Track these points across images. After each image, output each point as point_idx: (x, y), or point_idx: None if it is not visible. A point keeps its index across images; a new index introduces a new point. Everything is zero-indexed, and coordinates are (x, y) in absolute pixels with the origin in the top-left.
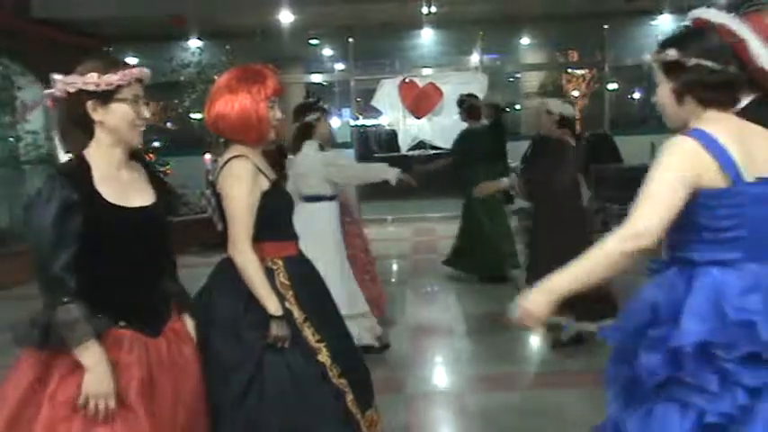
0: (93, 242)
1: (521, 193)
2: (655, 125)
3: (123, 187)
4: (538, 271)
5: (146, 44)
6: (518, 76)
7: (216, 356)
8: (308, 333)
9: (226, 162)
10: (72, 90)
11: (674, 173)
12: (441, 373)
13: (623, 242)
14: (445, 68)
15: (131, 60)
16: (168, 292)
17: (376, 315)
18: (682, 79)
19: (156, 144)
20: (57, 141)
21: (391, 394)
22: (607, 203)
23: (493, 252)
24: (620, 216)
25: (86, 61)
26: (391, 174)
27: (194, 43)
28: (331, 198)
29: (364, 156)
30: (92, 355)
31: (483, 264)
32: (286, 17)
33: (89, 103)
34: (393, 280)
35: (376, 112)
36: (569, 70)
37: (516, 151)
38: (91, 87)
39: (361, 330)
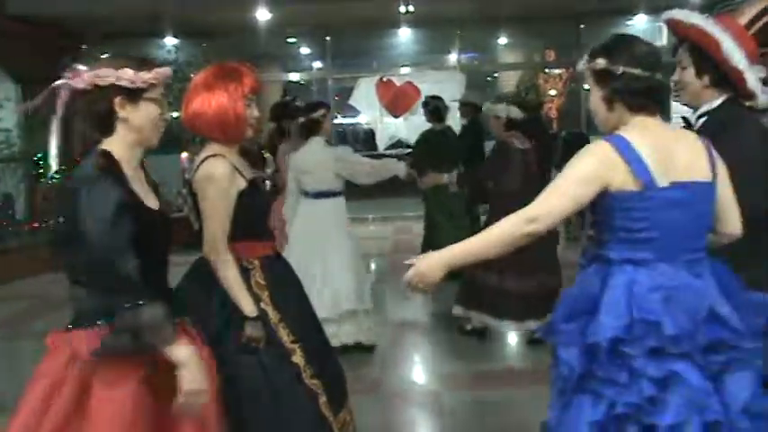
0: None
1: (456, 190)
2: None
3: (143, 188)
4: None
5: (121, 42)
6: (496, 75)
7: None
8: (284, 334)
9: (202, 161)
10: (102, 83)
11: (582, 171)
12: (418, 371)
13: (519, 225)
14: (423, 67)
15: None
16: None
17: None
18: (610, 87)
19: None
20: (53, 133)
21: (368, 393)
22: None
23: None
24: None
25: (112, 56)
26: (400, 168)
27: (170, 41)
28: (340, 193)
29: None
30: (185, 352)
31: None
32: (263, 15)
33: (117, 99)
34: (373, 278)
35: (354, 111)
36: (547, 70)
37: None
38: (124, 83)
39: (360, 330)
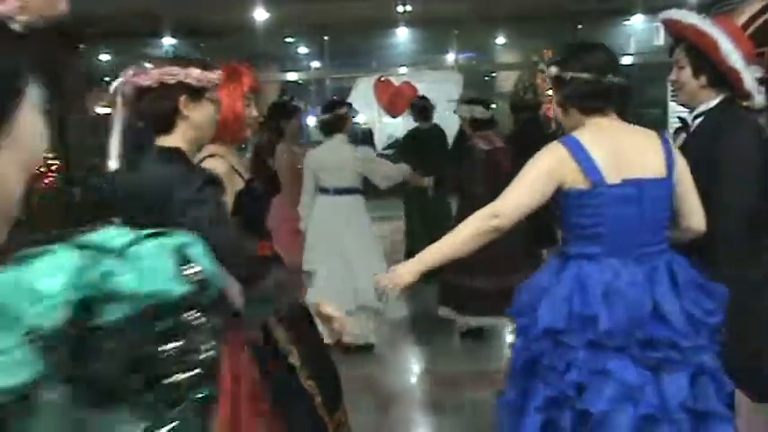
0: None
1: (432, 194)
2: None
3: None
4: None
5: (118, 42)
6: (494, 75)
7: None
8: (281, 334)
9: (200, 161)
10: (171, 81)
11: (538, 169)
12: (414, 371)
13: (485, 220)
14: (421, 67)
15: (103, 58)
16: None
17: None
18: (562, 92)
19: None
20: (115, 130)
21: (364, 393)
22: None
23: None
24: None
25: (176, 57)
26: (407, 173)
27: (168, 41)
28: (359, 191)
29: None
30: None
31: None
32: (260, 15)
33: (183, 98)
34: None
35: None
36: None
37: None
38: (192, 81)
39: (365, 330)
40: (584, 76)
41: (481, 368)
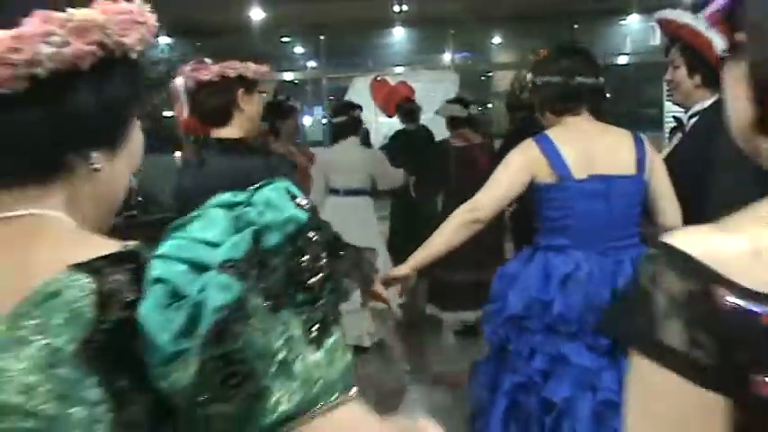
0: None
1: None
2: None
3: None
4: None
5: None
6: (490, 74)
7: None
8: None
9: None
10: (232, 74)
11: (512, 163)
12: (411, 370)
13: (465, 214)
14: (417, 67)
15: None
16: None
17: None
18: (536, 96)
19: None
20: (179, 123)
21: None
22: None
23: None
24: None
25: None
26: (405, 176)
27: (163, 40)
28: (369, 193)
29: None
30: None
31: None
32: (257, 14)
33: (240, 91)
34: None
35: None
36: None
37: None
38: (250, 74)
39: (363, 333)
40: (554, 79)
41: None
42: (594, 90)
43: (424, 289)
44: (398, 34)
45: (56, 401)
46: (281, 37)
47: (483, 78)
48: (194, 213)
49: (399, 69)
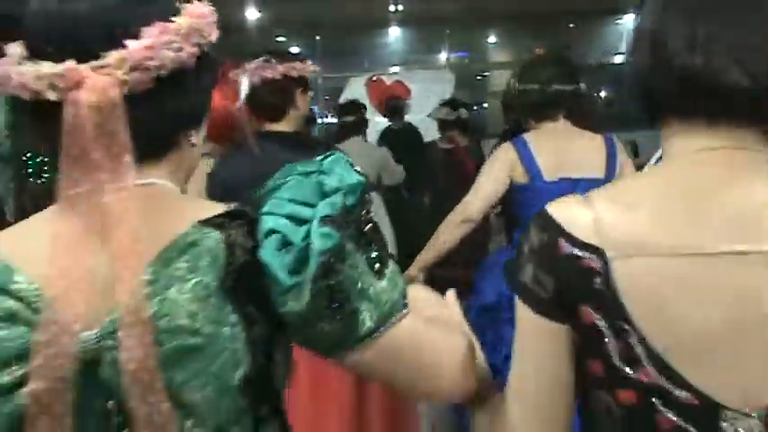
0: None
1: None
2: (619, 124)
3: None
4: None
5: None
6: (486, 74)
7: None
8: None
9: None
10: (294, 74)
11: (495, 165)
12: None
13: (456, 214)
14: (412, 67)
15: None
16: None
17: None
18: (518, 102)
19: None
20: (245, 122)
21: None
22: None
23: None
24: None
25: (281, 52)
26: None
27: None
28: (376, 188)
29: None
30: None
31: None
32: (252, 14)
33: (298, 90)
34: None
35: None
36: None
37: (484, 149)
38: (307, 75)
39: None
40: (533, 87)
41: None
42: (572, 96)
43: (421, 282)
44: (394, 34)
45: (210, 323)
46: (277, 36)
47: (479, 78)
48: (277, 181)
49: (395, 69)
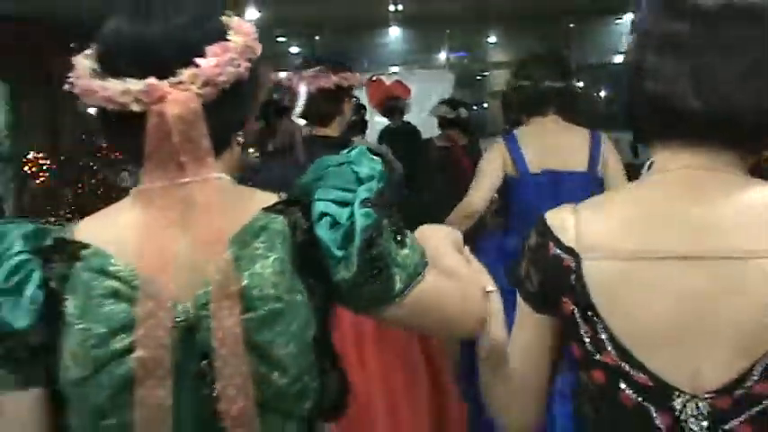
0: None
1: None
2: (620, 123)
3: None
4: None
5: None
6: (486, 74)
7: None
8: None
9: None
10: (345, 84)
11: (491, 159)
12: None
13: (460, 208)
14: (412, 67)
15: None
16: None
17: None
18: (513, 98)
19: None
20: (298, 124)
21: None
22: None
23: None
24: None
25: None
26: None
27: None
28: None
29: None
30: None
31: None
32: (251, 14)
33: (346, 98)
34: None
35: None
36: None
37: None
38: (356, 83)
39: None
40: (525, 83)
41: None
42: (562, 93)
43: None
44: (394, 34)
45: (288, 292)
46: (276, 36)
47: (479, 78)
48: (318, 172)
49: (395, 69)
